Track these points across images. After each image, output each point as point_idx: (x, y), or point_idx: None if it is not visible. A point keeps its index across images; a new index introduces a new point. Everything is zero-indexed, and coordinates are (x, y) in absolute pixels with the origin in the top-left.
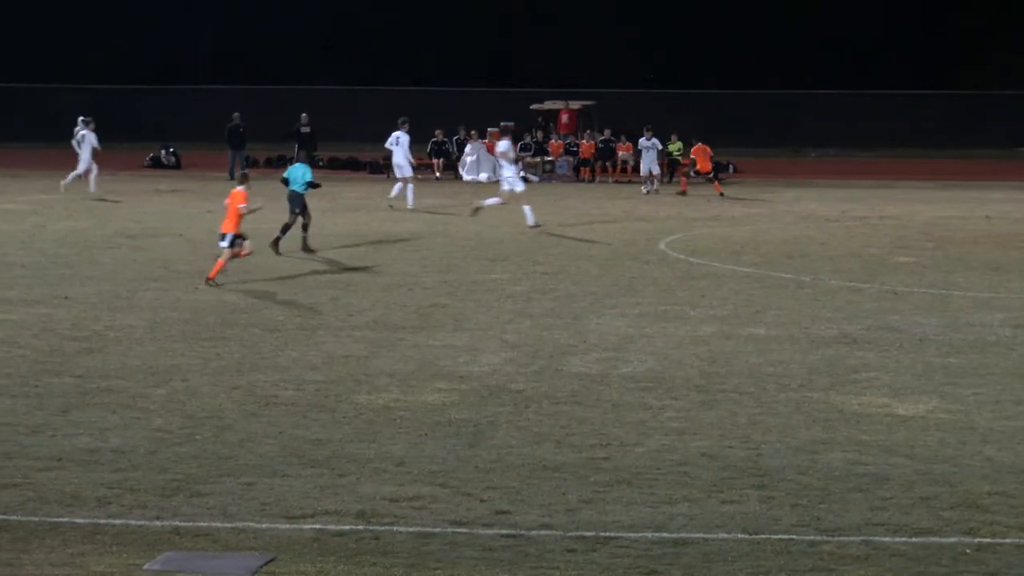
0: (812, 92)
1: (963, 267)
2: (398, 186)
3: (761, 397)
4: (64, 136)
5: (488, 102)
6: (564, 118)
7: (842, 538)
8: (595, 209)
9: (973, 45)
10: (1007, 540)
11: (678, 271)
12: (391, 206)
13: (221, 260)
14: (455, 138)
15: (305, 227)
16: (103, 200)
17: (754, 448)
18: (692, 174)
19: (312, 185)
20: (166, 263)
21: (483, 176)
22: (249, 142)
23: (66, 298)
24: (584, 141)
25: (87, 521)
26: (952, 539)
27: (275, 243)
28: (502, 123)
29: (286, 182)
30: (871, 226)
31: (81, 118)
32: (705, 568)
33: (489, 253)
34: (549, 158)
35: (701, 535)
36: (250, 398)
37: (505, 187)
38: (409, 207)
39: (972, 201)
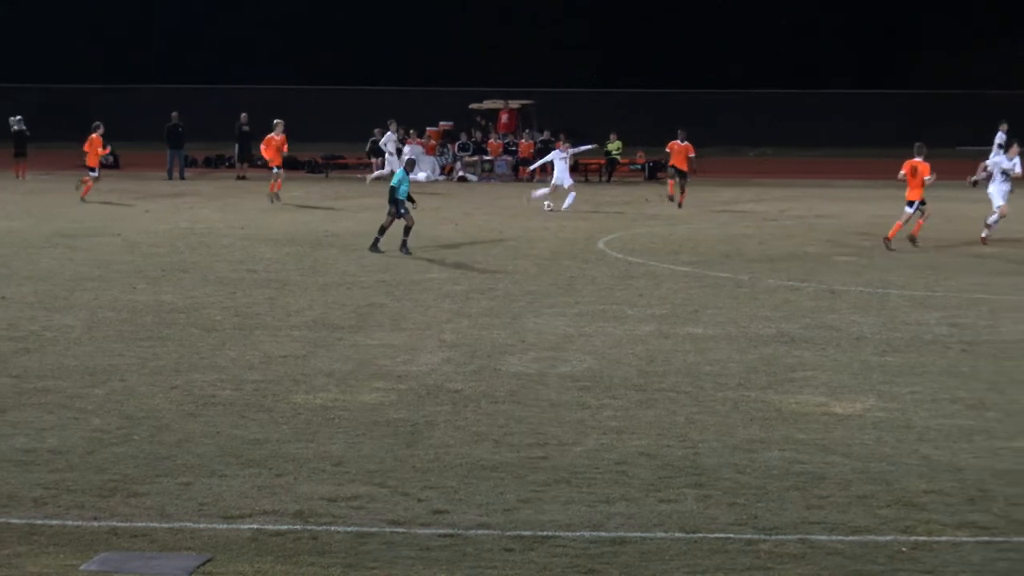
0: (752, 91)
1: (900, 266)
2: (543, 191)
3: (699, 396)
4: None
5: (427, 102)
6: (503, 118)
7: (779, 537)
8: (534, 209)
9: (916, 45)
10: (943, 538)
11: (616, 270)
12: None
13: (899, 223)
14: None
15: (407, 230)
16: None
17: (692, 447)
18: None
19: (407, 196)
20: (104, 263)
21: (421, 176)
22: (189, 142)
23: (3, 298)
24: (523, 141)
25: (23, 522)
26: (888, 537)
27: (374, 245)
28: (440, 123)
29: (393, 190)
30: (809, 225)
31: (390, 122)
32: (643, 567)
33: (428, 252)
34: (488, 158)
35: (639, 534)
36: (188, 398)
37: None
38: (563, 207)
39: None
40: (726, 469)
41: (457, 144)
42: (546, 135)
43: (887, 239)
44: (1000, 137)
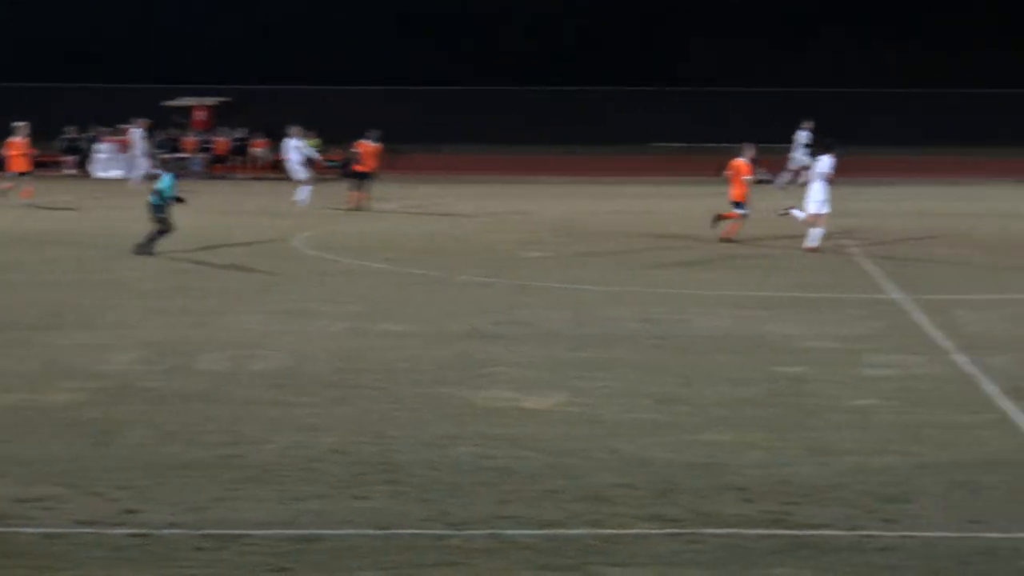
0: (435, 89)
1: (593, 261)
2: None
3: (393, 392)
4: None
5: (122, 98)
6: (199, 115)
7: (469, 531)
8: (229, 206)
9: (589, 43)
10: (631, 531)
11: (312, 268)
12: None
13: (734, 214)
14: (87, 135)
15: (161, 232)
16: None
17: (385, 444)
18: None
19: (174, 199)
20: None
21: (115, 173)
22: None
23: None
24: (219, 138)
25: None
26: (578, 531)
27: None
28: (137, 119)
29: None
30: (504, 221)
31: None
32: (334, 564)
33: (122, 250)
34: (183, 155)
35: (331, 531)
36: None
37: None
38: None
39: (602, 196)
40: (418, 465)
41: (156, 142)
42: (242, 133)
43: (726, 239)
44: (803, 136)
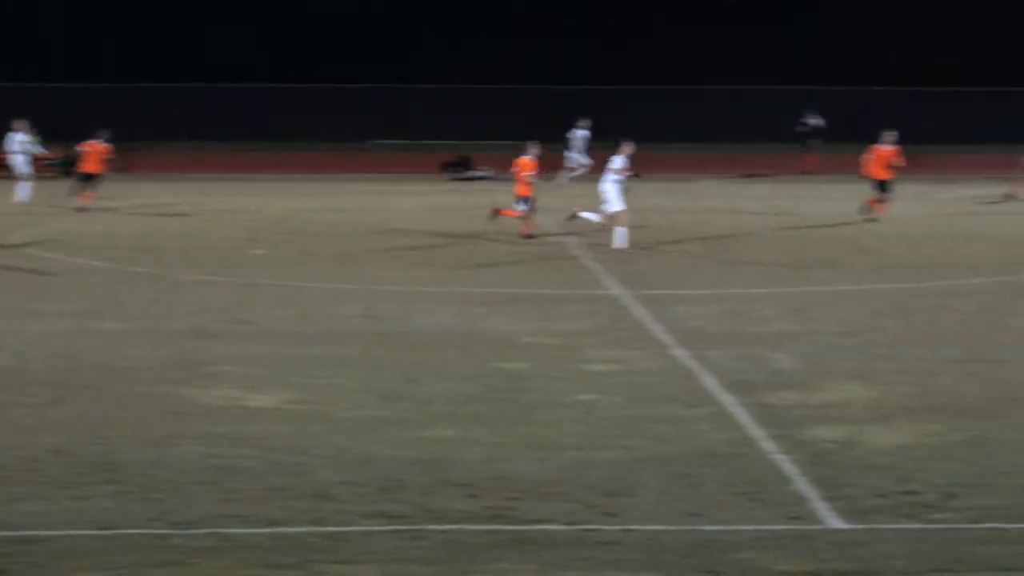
0: (156, 86)
1: (315, 259)
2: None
3: (114, 392)
4: None
5: None
6: None
7: (192, 531)
8: None
9: (322, 41)
10: (353, 528)
11: (33, 266)
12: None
13: (513, 212)
14: None
15: None
16: None
17: (105, 443)
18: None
19: None
20: None
21: None
22: None
23: None
24: None
25: None
26: (302, 528)
27: None
28: None
29: None
30: (228, 219)
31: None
32: (55, 566)
33: None
34: None
35: (50, 532)
36: None
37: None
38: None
39: (326, 194)
40: (140, 465)
41: None
42: None
43: (525, 235)
44: (579, 134)
